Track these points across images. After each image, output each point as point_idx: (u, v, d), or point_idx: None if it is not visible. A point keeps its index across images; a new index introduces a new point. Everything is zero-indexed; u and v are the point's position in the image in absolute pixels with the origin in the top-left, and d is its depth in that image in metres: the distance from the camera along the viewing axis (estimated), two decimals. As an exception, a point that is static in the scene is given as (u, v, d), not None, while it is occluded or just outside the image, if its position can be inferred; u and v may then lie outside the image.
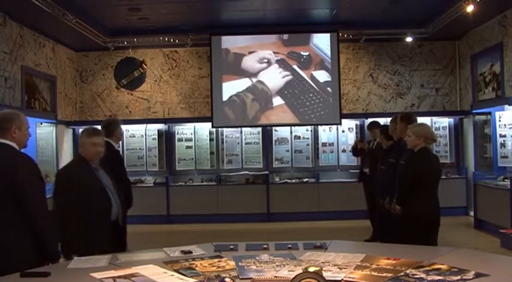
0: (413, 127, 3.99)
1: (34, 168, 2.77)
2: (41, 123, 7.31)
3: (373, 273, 2.14)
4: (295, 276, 1.85)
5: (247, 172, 8.84)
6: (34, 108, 7.38)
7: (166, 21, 7.99)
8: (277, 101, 8.62)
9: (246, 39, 8.71)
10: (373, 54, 9.07)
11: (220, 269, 2.29)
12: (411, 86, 9.07)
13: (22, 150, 2.84)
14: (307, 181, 8.69)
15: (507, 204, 6.27)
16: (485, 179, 7.30)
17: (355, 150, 7.13)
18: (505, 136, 6.99)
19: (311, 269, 1.94)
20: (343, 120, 8.74)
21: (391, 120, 5.17)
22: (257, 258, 2.48)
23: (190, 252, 2.66)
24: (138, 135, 8.99)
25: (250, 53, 8.67)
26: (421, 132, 3.90)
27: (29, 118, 3.00)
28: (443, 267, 2.17)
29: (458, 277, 2.02)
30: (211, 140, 8.99)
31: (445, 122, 8.86)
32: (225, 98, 8.64)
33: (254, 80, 8.66)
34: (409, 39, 8.46)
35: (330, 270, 2.18)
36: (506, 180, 6.64)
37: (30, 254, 2.61)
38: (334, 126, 8.85)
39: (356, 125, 8.96)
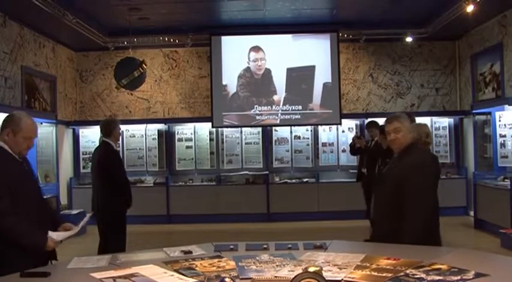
0: None
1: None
2: (41, 123, 7.30)
3: (373, 273, 2.13)
4: (295, 276, 1.85)
5: (247, 172, 8.84)
6: (34, 108, 7.38)
7: (166, 21, 7.99)
8: (277, 100, 8.62)
9: (245, 39, 8.71)
10: (373, 54, 9.07)
11: (220, 269, 2.28)
12: (411, 86, 9.07)
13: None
14: (307, 181, 8.69)
15: (507, 204, 6.27)
16: (485, 179, 7.30)
17: (353, 148, 7.13)
18: (505, 136, 6.99)
19: (311, 269, 1.94)
20: (343, 120, 8.74)
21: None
22: (257, 258, 2.47)
23: (190, 252, 2.66)
24: (138, 135, 8.99)
25: (249, 52, 8.67)
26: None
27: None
28: (443, 267, 2.16)
29: (458, 277, 2.01)
30: (211, 140, 8.99)
31: (445, 122, 8.86)
32: (225, 97, 8.64)
33: (254, 79, 8.67)
34: (409, 39, 8.45)
35: (330, 270, 2.17)
36: (506, 180, 6.64)
37: (24, 255, 2.58)
38: (334, 126, 8.85)
39: (356, 125, 8.96)
